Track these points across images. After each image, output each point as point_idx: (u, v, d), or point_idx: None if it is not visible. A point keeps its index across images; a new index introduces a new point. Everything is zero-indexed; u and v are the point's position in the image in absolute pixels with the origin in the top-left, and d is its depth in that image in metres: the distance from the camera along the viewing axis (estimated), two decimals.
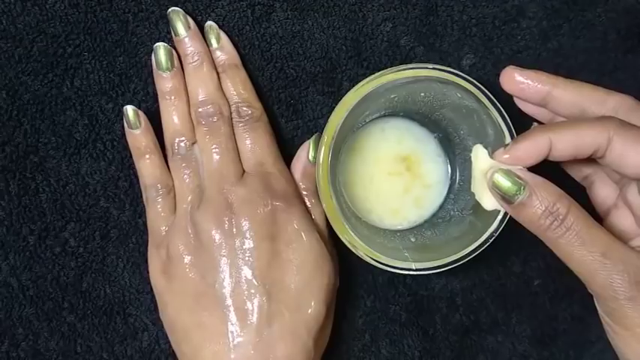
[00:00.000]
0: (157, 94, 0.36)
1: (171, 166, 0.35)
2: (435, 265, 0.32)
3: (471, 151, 0.31)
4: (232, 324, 0.32)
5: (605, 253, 0.27)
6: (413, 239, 0.36)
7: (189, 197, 0.35)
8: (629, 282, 0.26)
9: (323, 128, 0.32)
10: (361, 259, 0.32)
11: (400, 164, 0.37)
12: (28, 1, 0.36)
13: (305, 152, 0.36)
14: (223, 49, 0.36)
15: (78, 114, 0.37)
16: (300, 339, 0.32)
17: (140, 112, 0.35)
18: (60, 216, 0.37)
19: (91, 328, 0.38)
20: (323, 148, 0.32)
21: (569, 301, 0.41)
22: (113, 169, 0.37)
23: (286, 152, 0.37)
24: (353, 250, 0.32)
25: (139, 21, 0.37)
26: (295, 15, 0.38)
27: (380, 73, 0.32)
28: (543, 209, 0.27)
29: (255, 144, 0.35)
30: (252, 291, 0.32)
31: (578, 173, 0.34)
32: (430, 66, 0.32)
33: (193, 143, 0.35)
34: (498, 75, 0.32)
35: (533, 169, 0.29)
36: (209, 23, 0.36)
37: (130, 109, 0.35)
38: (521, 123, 0.32)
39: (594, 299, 0.29)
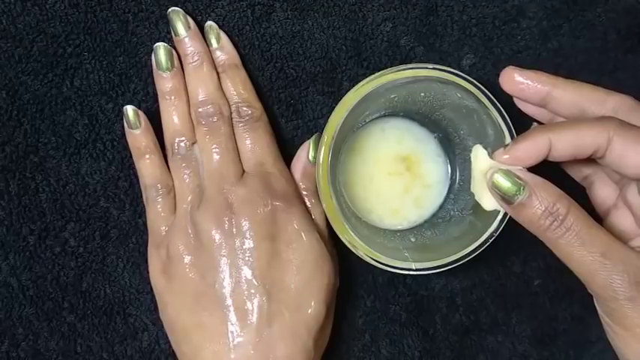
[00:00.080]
0: (156, 94, 0.36)
1: (171, 166, 0.35)
2: (435, 265, 0.32)
3: (470, 151, 0.31)
4: (232, 324, 0.32)
5: (605, 253, 0.27)
6: (413, 239, 0.36)
7: (189, 197, 0.35)
8: (629, 282, 0.26)
9: (323, 128, 0.32)
10: (361, 259, 0.32)
11: (400, 164, 0.37)
12: (28, 1, 0.36)
13: (305, 152, 0.36)
14: (223, 49, 0.36)
15: (78, 114, 0.37)
16: (300, 339, 0.32)
17: (140, 112, 0.35)
18: (60, 216, 0.37)
19: (91, 328, 0.38)
20: (323, 148, 0.32)
21: (569, 301, 0.41)
22: (113, 169, 0.37)
23: (286, 152, 0.37)
24: (353, 250, 0.32)
25: (139, 21, 0.37)
26: (295, 15, 0.38)
27: (380, 73, 0.32)
28: (543, 209, 0.27)
29: (255, 144, 0.35)
30: (252, 291, 0.32)
31: (578, 173, 0.34)
32: (430, 66, 0.32)
33: (193, 143, 0.35)
34: (498, 75, 0.32)
35: (533, 169, 0.29)
36: (209, 23, 0.36)
37: (130, 109, 0.35)
38: (521, 123, 0.32)
39: (594, 299, 0.29)
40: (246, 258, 0.32)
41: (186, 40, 0.35)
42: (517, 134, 0.30)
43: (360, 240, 0.32)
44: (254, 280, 0.32)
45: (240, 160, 0.35)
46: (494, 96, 0.32)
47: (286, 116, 0.38)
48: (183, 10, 0.36)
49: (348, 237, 0.32)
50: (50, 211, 0.37)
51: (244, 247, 0.33)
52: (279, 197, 0.34)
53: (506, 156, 0.29)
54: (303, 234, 0.33)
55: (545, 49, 0.39)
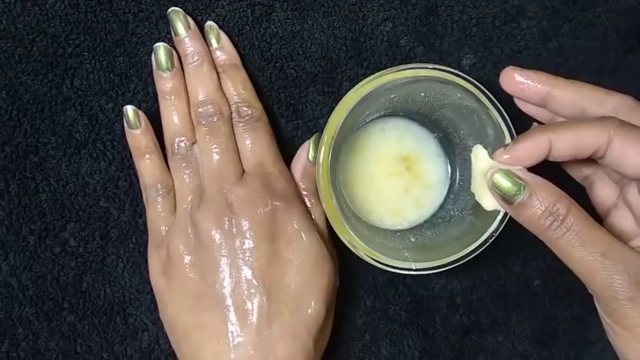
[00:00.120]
0: (157, 94, 0.36)
1: (171, 166, 0.35)
2: (435, 265, 0.32)
3: (471, 151, 0.31)
4: (232, 324, 0.32)
5: (605, 253, 0.27)
6: (413, 239, 0.36)
7: (189, 197, 0.35)
8: (629, 282, 0.26)
9: (323, 128, 0.32)
10: (361, 259, 0.32)
11: (400, 164, 0.37)
12: (28, 1, 0.36)
13: (305, 152, 0.36)
14: (223, 49, 0.36)
15: (78, 114, 0.37)
16: (300, 339, 0.32)
17: (140, 112, 0.35)
18: (60, 216, 0.37)
19: (91, 328, 0.38)
20: (323, 148, 0.32)
21: (569, 301, 0.41)
22: (113, 169, 0.37)
23: (286, 152, 0.37)
24: (353, 250, 0.32)
25: (139, 21, 0.37)
26: (295, 15, 0.38)
27: (380, 73, 0.32)
28: (543, 209, 0.27)
29: (255, 144, 0.35)
30: (252, 291, 0.32)
31: (578, 173, 0.34)
32: (430, 66, 0.32)
33: (193, 143, 0.35)
34: (498, 75, 0.32)
35: (534, 169, 0.29)
36: (209, 23, 0.36)
37: (130, 109, 0.35)
38: (521, 123, 0.32)
39: (594, 299, 0.29)
40: (246, 258, 0.32)
41: (186, 40, 0.35)
42: (517, 134, 0.30)
43: (360, 240, 0.32)
44: (254, 280, 0.32)
45: (240, 160, 0.35)
46: (494, 96, 0.32)
47: (286, 116, 0.38)
48: (183, 10, 0.36)
49: (348, 237, 0.32)
50: (50, 211, 0.37)
51: (244, 247, 0.33)
52: (279, 197, 0.34)
53: (506, 156, 0.29)
54: (303, 234, 0.33)
55: (545, 49, 0.39)
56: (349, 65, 0.38)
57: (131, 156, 0.36)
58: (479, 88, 0.32)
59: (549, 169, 0.29)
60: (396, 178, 0.37)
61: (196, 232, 0.33)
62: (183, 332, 0.33)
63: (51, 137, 0.37)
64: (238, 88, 0.36)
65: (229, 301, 0.32)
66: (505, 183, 0.28)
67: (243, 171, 0.35)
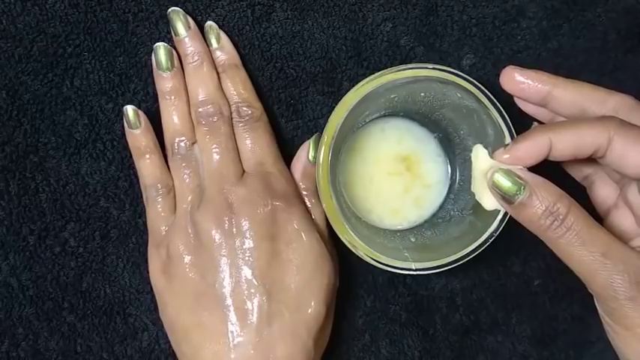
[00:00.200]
0: (157, 94, 0.36)
1: (171, 166, 0.35)
2: (435, 265, 0.32)
3: (471, 151, 0.31)
4: (232, 324, 0.32)
5: (605, 253, 0.27)
6: (413, 239, 0.36)
7: (190, 197, 0.35)
8: (630, 282, 0.26)
9: (323, 128, 0.32)
10: (361, 259, 0.32)
11: (400, 164, 0.37)
12: (28, 1, 0.36)
13: (305, 152, 0.36)
14: (223, 49, 0.36)
15: (78, 114, 0.37)
16: (300, 339, 0.32)
17: (140, 112, 0.35)
18: (60, 216, 0.37)
19: (91, 328, 0.38)
20: (323, 148, 0.32)
21: (569, 301, 0.41)
22: (113, 169, 0.37)
23: (286, 152, 0.37)
24: (353, 250, 0.32)
25: (139, 21, 0.37)
26: (295, 15, 0.38)
27: (380, 73, 0.32)
28: (543, 209, 0.27)
29: (255, 144, 0.35)
30: (252, 291, 0.32)
31: (578, 173, 0.34)
32: (430, 66, 0.32)
33: (193, 143, 0.35)
34: (498, 75, 0.32)
35: (534, 169, 0.29)
36: (209, 23, 0.36)
37: (130, 109, 0.35)
38: (521, 123, 0.32)
39: (594, 299, 0.29)
40: (246, 258, 0.32)
41: (187, 40, 0.35)
42: (517, 134, 0.30)
43: (360, 240, 0.32)
44: (254, 280, 0.32)
45: (240, 160, 0.35)
46: (494, 96, 0.32)
47: (286, 116, 0.38)
48: (183, 10, 0.36)
49: (348, 237, 0.32)
50: (50, 211, 0.37)
51: (244, 246, 0.33)
52: (279, 197, 0.34)
53: (506, 155, 0.29)
54: (303, 234, 0.33)
55: (545, 49, 0.39)
56: (349, 65, 0.38)
57: (131, 156, 0.36)
58: (479, 88, 0.32)
59: (549, 169, 0.29)
60: (396, 178, 0.37)
61: (196, 231, 0.33)
62: (183, 332, 0.33)
63: (51, 137, 0.37)
64: (238, 88, 0.36)
65: (229, 301, 0.32)
66: (505, 182, 0.28)
67: (244, 171, 0.35)
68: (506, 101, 0.32)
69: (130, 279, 0.38)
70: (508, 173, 0.28)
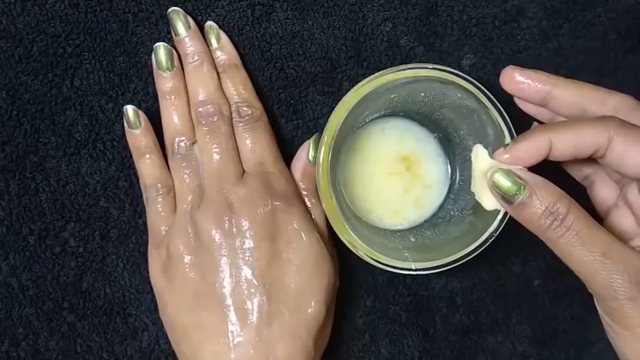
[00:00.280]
0: (157, 94, 0.36)
1: (172, 165, 0.35)
2: (435, 265, 0.32)
3: (471, 151, 0.31)
4: (232, 324, 0.32)
5: (605, 253, 0.27)
6: (413, 239, 0.36)
7: (190, 197, 0.35)
8: (630, 282, 0.26)
9: (323, 128, 0.32)
10: (361, 259, 0.32)
11: (400, 164, 0.37)
12: (28, 1, 0.36)
13: (305, 152, 0.36)
14: (223, 49, 0.36)
15: (78, 114, 0.37)
16: (300, 339, 0.32)
17: (140, 112, 0.35)
18: (60, 216, 0.37)
19: (91, 328, 0.38)
20: (323, 148, 0.32)
21: (569, 301, 0.41)
22: (113, 169, 0.37)
23: (286, 152, 0.37)
24: (353, 250, 0.32)
25: (139, 21, 0.37)
26: (295, 15, 0.38)
27: (380, 73, 0.32)
28: (543, 209, 0.27)
29: (255, 144, 0.35)
30: (252, 291, 0.32)
31: (578, 173, 0.34)
32: (430, 66, 0.32)
33: (193, 143, 0.35)
34: (498, 75, 0.32)
35: (534, 169, 0.29)
36: (209, 23, 0.36)
37: (130, 109, 0.35)
38: (521, 123, 0.32)
39: (594, 299, 0.29)
40: (246, 258, 0.32)
41: (187, 39, 0.35)
42: (517, 134, 0.30)
43: (360, 240, 0.32)
44: (254, 280, 0.32)
45: (240, 159, 0.35)
46: (494, 96, 0.32)
47: (286, 116, 0.38)
48: (183, 10, 0.36)
49: (348, 237, 0.32)
50: (50, 211, 0.37)
51: (244, 246, 0.33)
52: (279, 197, 0.34)
53: (506, 155, 0.29)
54: (303, 234, 0.33)
55: (545, 49, 0.39)
56: (349, 65, 0.38)
57: (131, 156, 0.36)
58: (479, 88, 0.32)
59: (549, 169, 0.29)
60: (396, 178, 0.37)
61: (196, 231, 0.33)
62: (183, 332, 0.33)
63: (51, 137, 0.37)
64: (238, 87, 0.36)
65: (229, 301, 0.32)
66: (505, 182, 0.28)
67: (244, 171, 0.35)
68: (506, 101, 0.32)
69: (130, 279, 0.38)
70: (508, 173, 0.28)
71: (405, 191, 0.37)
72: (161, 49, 0.35)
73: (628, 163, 0.28)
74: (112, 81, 0.37)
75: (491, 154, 0.30)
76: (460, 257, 0.32)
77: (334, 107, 0.32)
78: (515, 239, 0.39)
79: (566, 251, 0.27)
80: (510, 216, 0.30)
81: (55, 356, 0.37)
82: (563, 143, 0.28)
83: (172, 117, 0.35)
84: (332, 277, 0.34)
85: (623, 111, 0.30)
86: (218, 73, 0.36)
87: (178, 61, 0.35)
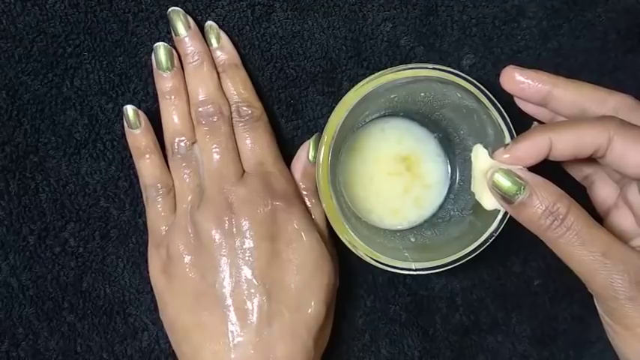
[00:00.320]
0: (157, 94, 0.36)
1: (172, 165, 0.35)
2: (435, 265, 0.32)
3: (471, 151, 0.31)
4: (232, 324, 0.32)
5: (605, 252, 0.27)
6: (413, 239, 0.36)
7: (190, 197, 0.35)
8: (630, 282, 0.26)
9: (323, 128, 0.32)
10: (361, 259, 0.32)
11: (400, 164, 0.37)
12: (28, 1, 0.36)
13: (305, 152, 0.36)
14: (223, 48, 0.36)
15: (78, 114, 0.37)
16: (300, 339, 0.32)
17: (140, 112, 0.35)
18: (60, 216, 0.37)
19: (91, 328, 0.38)
20: (323, 148, 0.32)
21: (569, 301, 0.41)
22: (113, 169, 0.37)
23: (286, 152, 0.37)
24: (353, 250, 0.32)
25: (139, 21, 0.37)
26: (295, 15, 0.38)
27: (380, 73, 0.32)
28: (543, 209, 0.27)
29: (255, 144, 0.35)
30: (252, 291, 0.32)
31: (578, 173, 0.34)
32: (430, 66, 0.32)
33: (193, 143, 0.35)
34: (498, 75, 0.32)
35: (534, 169, 0.29)
36: (209, 23, 0.36)
37: (129, 109, 0.35)
38: (521, 123, 0.32)
39: (594, 299, 0.29)
40: (246, 258, 0.32)
41: (187, 39, 0.35)
42: (517, 134, 0.30)
43: (360, 240, 0.32)
44: (254, 280, 0.32)
45: (240, 159, 0.35)
46: (494, 96, 0.32)
47: (286, 116, 0.38)
48: (184, 10, 0.36)
49: (348, 237, 0.32)
50: (50, 211, 0.37)
51: (244, 246, 0.33)
52: (279, 197, 0.34)
53: (506, 155, 0.29)
54: (303, 234, 0.33)
55: (545, 49, 0.39)
56: (349, 65, 0.38)
57: (131, 156, 0.36)
58: (479, 88, 0.32)
59: (549, 169, 0.29)
60: (396, 178, 0.37)
61: (196, 231, 0.33)
62: (183, 332, 0.33)
63: (51, 137, 0.37)
64: (238, 87, 0.36)
65: (229, 301, 0.32)
66: (505, 182, 0.28)
67: (244, 171, 0.35)
68: (506, 101, 0.32)
69: (130, 279, 0.38)
70: (508, 173, 0.28)
71: (405, 191, 0.37)
72: (161, 49, 0.35)
73: (628, 162, 0.28)
74: (112, 81, 0.37)
75: (491, 154, 0.30)
76: (460, 257, 0.32)
77: (334, 107, 0.32)
78: (515, 239, 0.39)
79: (566, 251, 0.27)
80: (510, 216, 0.30)
81: (55, 356, 0.37)
82: (564, 143, 0.28)
83: (172, 117, 0.35)
84: (332, 277, 0.34)
85: (623, 111, 0.30)
86: (218, 73, 0.36)
87: (178, 61, 0.35)
